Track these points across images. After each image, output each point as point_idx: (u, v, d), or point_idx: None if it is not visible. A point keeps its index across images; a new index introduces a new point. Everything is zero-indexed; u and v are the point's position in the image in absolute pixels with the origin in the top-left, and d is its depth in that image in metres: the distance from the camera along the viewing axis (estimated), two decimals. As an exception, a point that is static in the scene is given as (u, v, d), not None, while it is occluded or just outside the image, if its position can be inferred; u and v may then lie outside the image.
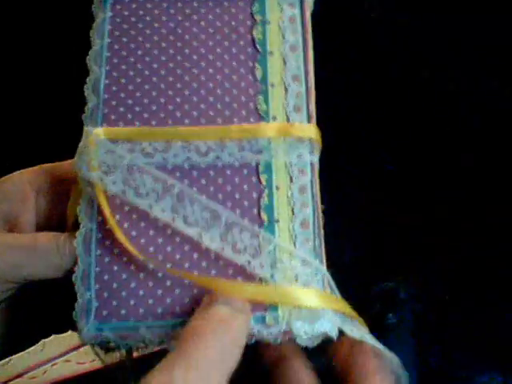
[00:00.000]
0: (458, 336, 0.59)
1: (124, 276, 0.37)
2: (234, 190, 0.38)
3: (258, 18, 0.42)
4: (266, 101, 0.40)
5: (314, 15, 0.41)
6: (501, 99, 0.73)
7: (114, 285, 0.37)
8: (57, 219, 0.43)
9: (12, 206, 0.42)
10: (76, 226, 0.39)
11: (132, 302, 0.37)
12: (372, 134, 0.72)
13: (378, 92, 0.74)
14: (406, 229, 0.70)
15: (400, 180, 0.72)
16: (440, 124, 0.72)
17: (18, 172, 0.42)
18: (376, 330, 0.56)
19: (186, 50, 0.41)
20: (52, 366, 0.64)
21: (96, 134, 0.38)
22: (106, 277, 0.37)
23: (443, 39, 0.77)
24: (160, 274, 0.37)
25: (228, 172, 0.39)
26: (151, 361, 0.31)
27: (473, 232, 0.69)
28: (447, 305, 0.61)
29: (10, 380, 0.61)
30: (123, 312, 0.37)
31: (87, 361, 0.64)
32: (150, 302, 0.37)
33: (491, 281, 0.67)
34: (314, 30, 0.41)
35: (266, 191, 0.38)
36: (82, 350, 0.65)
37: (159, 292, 0.37)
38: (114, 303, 0.37)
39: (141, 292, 0.37)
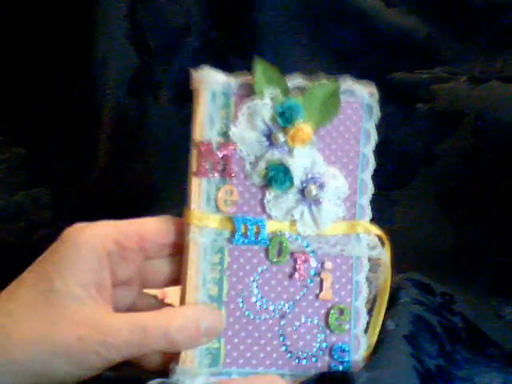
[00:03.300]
0: (457, 336, 0.59)
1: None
2: None
3: None
4: None
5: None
6: None
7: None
8: (128, 278, 0.45)
9: (93, 268, 0.42)
10: None
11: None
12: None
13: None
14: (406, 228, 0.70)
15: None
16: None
17: (91, 233, 0.42)
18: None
19: None
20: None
21: None
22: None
23: None
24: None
25: None
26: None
27: (473, 232, 0.69)
28: (446, 305, 0.61)
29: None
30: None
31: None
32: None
33: (491, 278, 0.67)
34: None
35: None
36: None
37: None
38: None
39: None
